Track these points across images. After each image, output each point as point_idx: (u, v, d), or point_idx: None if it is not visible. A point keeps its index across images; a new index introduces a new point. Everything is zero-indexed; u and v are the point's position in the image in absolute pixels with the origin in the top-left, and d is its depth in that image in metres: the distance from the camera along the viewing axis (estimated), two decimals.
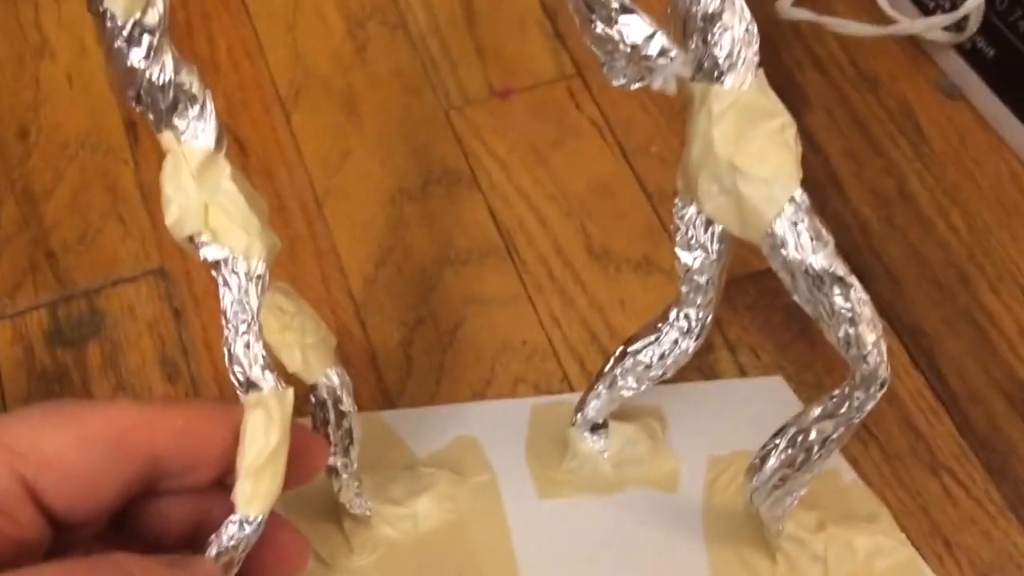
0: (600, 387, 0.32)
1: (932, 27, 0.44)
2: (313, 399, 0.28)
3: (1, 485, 0.21)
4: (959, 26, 0.44)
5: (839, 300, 0.24)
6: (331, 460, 0.29)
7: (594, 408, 0.33)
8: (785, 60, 0.47)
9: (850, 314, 0.24)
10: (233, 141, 0.43)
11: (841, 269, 0.24)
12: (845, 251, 0.42)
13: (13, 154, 0.42)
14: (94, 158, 0.42)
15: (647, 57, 0.22)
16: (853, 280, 0.24)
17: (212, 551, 0.24)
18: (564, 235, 0.42)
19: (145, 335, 0.38)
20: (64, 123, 0.43)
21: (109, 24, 0.21)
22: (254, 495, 0.23)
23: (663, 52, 0.22)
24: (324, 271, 0.40)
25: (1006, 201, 0.43)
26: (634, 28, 0.21)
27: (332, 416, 0.28)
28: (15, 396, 0.37)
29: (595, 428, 0.34)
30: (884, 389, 0.26)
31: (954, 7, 0.43)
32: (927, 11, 0.45)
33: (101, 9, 0.21)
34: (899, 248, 0.42)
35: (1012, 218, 0.42)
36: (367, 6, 0.48)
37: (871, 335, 0.25)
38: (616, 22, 0.21)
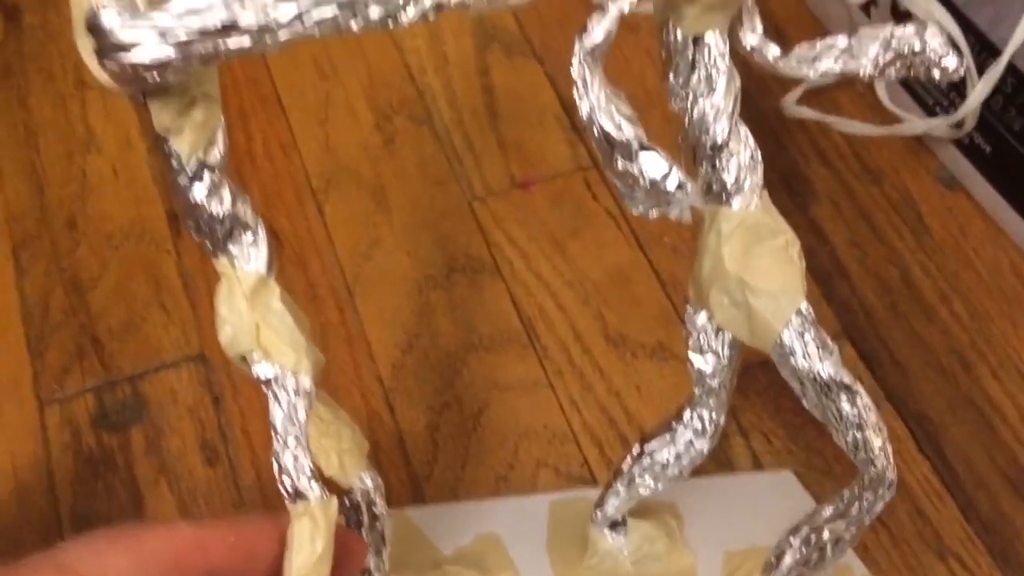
0: (618, 485, 0.33)
1: (933, 127, 0.46)
2: (347, 502, 0.29)
3: None
4: (958, 123, 0.46)
5: (846, 407, 0.26)
6: (364, 563, 0.30)
7: (613, 506, 0.34)
8: (791, 153, 0.49)
9: (857, 420, 0.26)
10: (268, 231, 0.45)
11: (847, 377, 0.26)
12: (852, 338, 0.44)
13: (62, 244, 0.45)
14: (138, 248, 0.45)
15: (665, 192, 0.24)
16: (858, 388, 0.26)
17: None
18: (582, 321, 0.44)
19: (186, 420, 0.40)
20: (110, 214, 0.46)
21: (175, 163, 0.24)
22: None
23: (680, 187, 0.24)
24: (355, 357, 0.42)
25: (1006, 289, 0.45)
26: (653, 165, 0.24)
27: (366, 519, 0.29)
28: (63, 478, 0.39)
29: (614, 525, 0.36)
30: (892, 491, 0.27)
31: (952, 106, 0.46)
32: (928, 108, 0.47)
33: (167, 149, 0.23)
34: (903, 335, 0.43)
35: (1012, 306, 0.44)
36: (394, 101, 0.51)
37: (877, 440, 0.26)
38: (636, 159, 0.24)
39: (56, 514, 0.38)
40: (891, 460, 0.27)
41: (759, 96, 0.50)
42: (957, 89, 0.45)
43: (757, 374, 0.42)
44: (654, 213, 0.25)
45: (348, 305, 0.44)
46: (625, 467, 0.33)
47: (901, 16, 0.47)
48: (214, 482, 0.39)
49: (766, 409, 0.41)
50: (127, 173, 0.47)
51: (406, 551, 0.34)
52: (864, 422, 0.27)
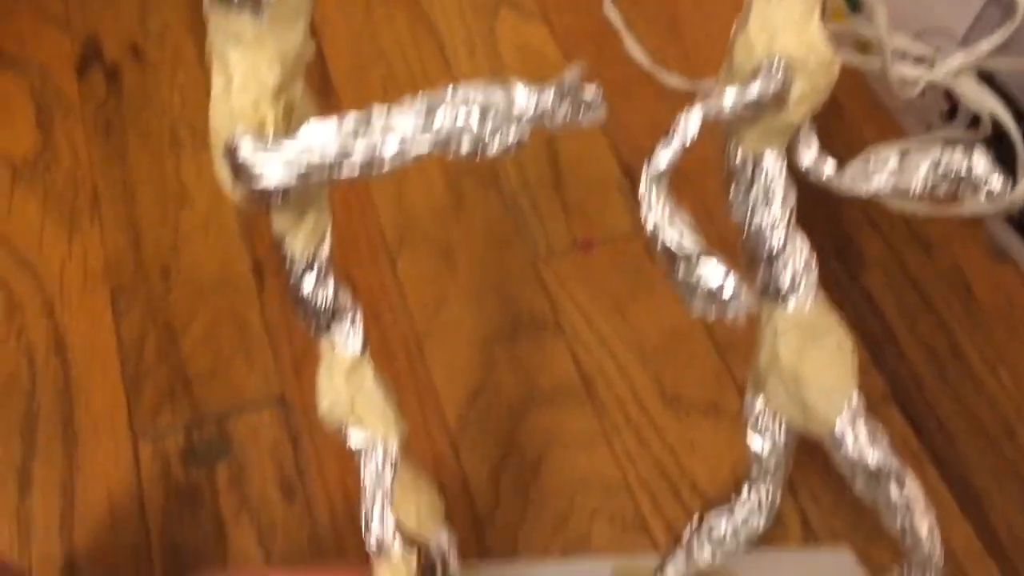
0: (678, 554, 0.35)
1: (985, 207, 0.48)
2: (424, 559, 0.31)
3: None
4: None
5: (894, 494, 0.28)
6: None
7: (672, 573, 0.36)
8: (845, 223, 0.51)
9: (905, 506, 0.28)
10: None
11: (895, 465, 0.28)
12: (899, 402, 0.45)
13: (156, 292, 0.48)
14: (225, 297, 0.48)
15: (722, 299, 0.26)
16: (907, 474, 0.28)
17: None
18: (640, 380, 0.46)
19: (266, 458, 0.43)
20: (200, 265, 0.49)
21: (288, 261, 0.27)
22: None
23: (734, 295, 0.26)
24: (423, 406, 0.45)
25: None
26: (711, 275, 0.26)
27: (439, 572, 0.32)
28: (153, 508, 0.42)
29: None
30: (939, 573, 0.29)
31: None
32: None
33: (283, 250, 0.27)
34: (950, 401, 0.45)
35: None
36: (464, 164, 0.54)
37: (924, 525, 0.28)
38: (695, 270, 0.26)
39: (147, 540, 0.41)
40: (938, 545, 0.29)
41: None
42: (1009, 166, 0.47)
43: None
44: (712, 314, 0.27)
45: (417, 357, 0.47)
46: (685, 536, 0.35)
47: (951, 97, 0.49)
48: (291, 517, 0.41)
49: (815, 469, 0.43)
50: (217, 227, 0.51)
51: None
52: (912, 508, 0.29)
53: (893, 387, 0.46)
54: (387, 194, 0.53)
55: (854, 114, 0.54)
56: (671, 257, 0.26)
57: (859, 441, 0.28)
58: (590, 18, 0.58)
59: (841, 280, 0.49)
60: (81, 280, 0.49)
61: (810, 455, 0.44)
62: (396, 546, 0.28)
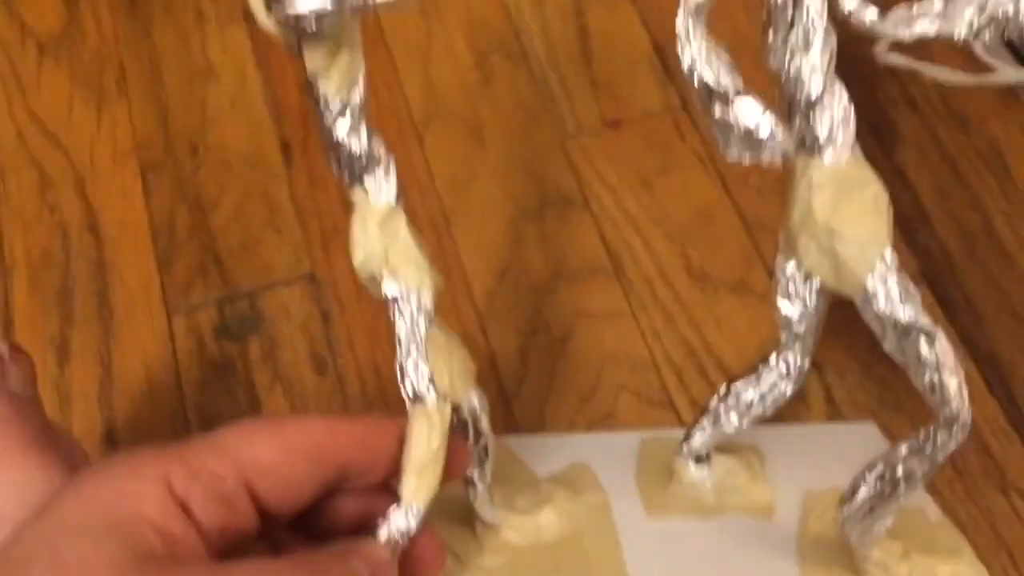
0: (704, 422, 0.36)
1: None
2: (456, 419, 0.32)
3: (231, 488, 0.26)
4: None
5: (924, 350, 0.28)
6: (468, 473, 0.34)
7: (698, 441, 0.37)
8: (880, 99, 0.50)
9: (934, 362, 0.28)
10: None
11: (926, 320, 0.28)
12: (929, 281, 0.45)
13: (185, 169, 0.49)
14: (253, 175, 0.48)
15: (758, 139, 0.26)
16: (937, 331, 0.28)
17: (381, 536, 0.29)
18: (666, 258, 0.46)
19: (298, 333, 0.44)
20: (228, 142, 0.49)
21: (322, 103, 0.27)
22: (418, 488, 0.29)
23: (772, 134, 0.26)
24: (451, 283, 0.45)
25: None
26: (747, 113, 0.26)
27: (472, 434, 0.32)
28: (190, 380, 0.43)
29: (699, 459, 0.38)
30: (966, 431, 0.29)
31: None
32: (1021, 59, 0.48)
33: (315, 91, 0.27)
34: (981, 280, 0.45)
35: None
36: (493, 40, 0.53)
37: (953, 382, 0.28)
38: (732, 107, 0.26)
39: (183, 411, 0.42)
40: (966, 402, 0.29)
41: (851, 43, 0.50)
42: None
43: (834, 311, 0.43)
44: (747, 158, 0.27)
45: (445, 233, 0.47)
46: (711, 405, 0.35)
47: None
48: (323, 389, 0.42)
49: (841, 345, 0.43)
50: (243, 104, 0.51)
51: (503, 471, 0.37)
52: (941, 365, 0.28)
53: (923, 265, 0.45)
54: (414, 71, 0.52)
55: None
56: (708, 94, 0.26)
57: (891, 297, 0.28)
58: None
59: (875, 157, 0.48)
60: (111, 157, 0.49)
61: (835, 334, 0.44)
62: (431, 395, 0.29)
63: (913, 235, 0.46)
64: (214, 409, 0.42)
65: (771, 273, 0.45)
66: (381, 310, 0.45)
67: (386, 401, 0.42)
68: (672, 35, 0.54)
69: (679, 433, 0.38)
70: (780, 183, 0.48)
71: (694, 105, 0.50)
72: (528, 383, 0.43)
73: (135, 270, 0.46)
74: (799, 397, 0.42)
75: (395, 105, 0.51)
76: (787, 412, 0.42)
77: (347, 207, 0.48)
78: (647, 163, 0.49)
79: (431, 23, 0.53)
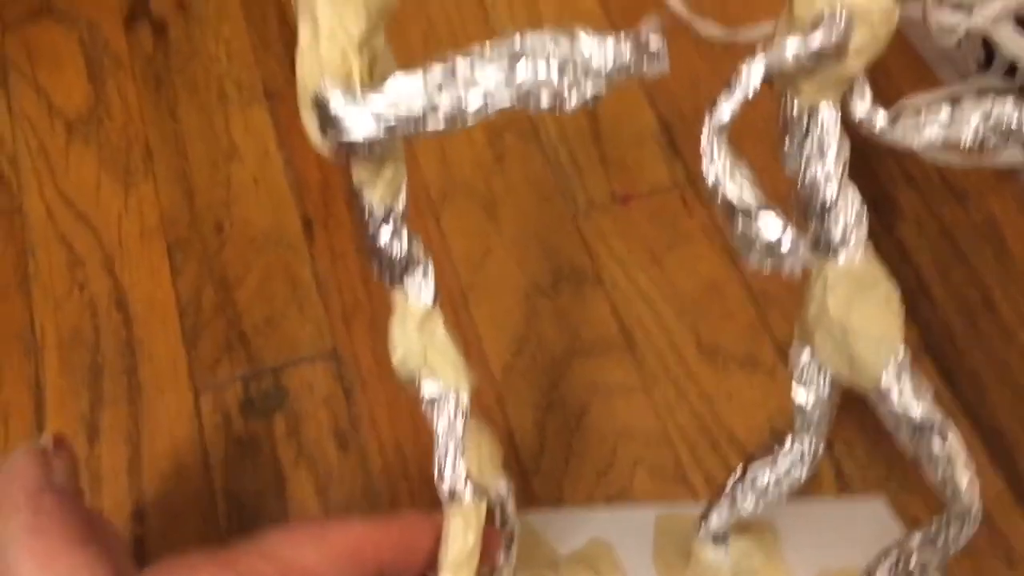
0: (723, 503, 0.37)
1: (1020, 159, 0.49)
2: (491, 525, 0.33)
3: None
4: None
5: (937, 446, 0.29)
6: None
7: (716, 522, 0.38)
8: (880, 176, 0.52)
9: (946, 458, 0.29)
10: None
11: (938, 417, 0.29)
12: (932, 354, 0.46)
13: (211, 246, 0.50)
14: (277, 252, 0.50)
15: (780, 253, 0.27)
16: (949, 427, 0.29)
17: None
18: (677, 332, 0.47)
19: (321, 409, 0.45)
20: (252, 219, 0.51)
21: (366, 212, 0.28)
22: None
23: (792, 249, 0.27)
24: (469, 358, 0.46)
25: None
26: (770, 228, 0.27)
27: (498, 519, 0.33)
28: (215, 457, 0.44)
29: (716, 539, 0.39)
30: (977, 524, 0.30)
31: None
32: None
33: (361, 200, 0.28)
34: (982, 353, 0.46)
35: None
36: (505, 119, 0.55)
37: (965, 477, 0.29)
38: (755, 222, 0.27)
39: (210, 488, 0.43)
40: (977, 497, 0.30)
41: (853, 124, 0.52)
42: None
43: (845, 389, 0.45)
44: (768, 267, 0.28)
45: (463, 309, 0.48)
46: (728, 486, 0.37)
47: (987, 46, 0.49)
48: (346, 466, 0.44)
49: (851, 421, 0.44)
50: (266, 183, 0.52)
51: (525, 551, 0.38)
52: (953, 461, 0.30)
53: (926, 338, 0.47)
54: (430, 150, 0.54)
55: (890, 64, 0.54)
56: (731, 210, 0.27)
57: (904, 394, 0.29)
58: None
59: (876, 232, 0.50)
60: (138, 235, 0.51)
61: (845, 408, 0.45)
62: (468, 493, 0.30)
63: (915, 309, 0.48)
64: (241, 486, 0.43)
65: (779, 347, 0.47)
66: (402, 387, 0.46)
67: (408, 477, 0.44)
68: (678, 113, 0.56)
69: (694, 508, 0.40)
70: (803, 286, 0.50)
71: (701, 180, 0.52)
72: (546, 458, 0.44)
73: (163, 348, 0.47)
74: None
75: (412, 184, 0.52)
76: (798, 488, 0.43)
77: (368, 283, 0.50)
78: (656, 238, 0.50)
79: None
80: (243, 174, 0.53)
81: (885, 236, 0.50)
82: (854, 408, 0.45)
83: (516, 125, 0.55)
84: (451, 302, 0.49)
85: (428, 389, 0.30)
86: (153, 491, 0.43)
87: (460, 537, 0.30)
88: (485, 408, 0.45)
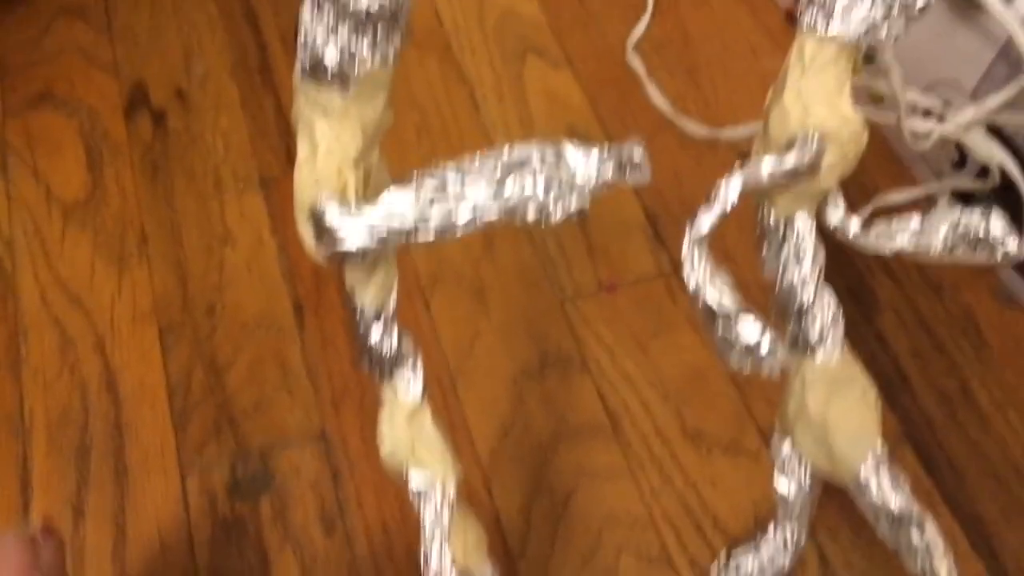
0: None
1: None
2: None
3: None
4: None
5: (915, 538, 0.30)
6: None
7: None
8: (858, 266, 0.53)
9: (925, 549, 0.30)
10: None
11: (916, 510, 0.30)
12: (912, 442, 0.47)
13: (203, 329, 0.51)
14: (268, 336, 0.51)
15: (759, 355, 0.28)
16: (927, 518, 0.30)
17: None
18: (662, 417, 0.48)
19: (308, 493, 0.45)
20: (244, 304, 0.52)
21: (358, 312, 0.29)
22: None
23: (770, 352, 0.28)
24: (456, 441, 0.47)
25: None
26: (749, 333, 0.28)
27: None
28: (200, 540, 0.44)
29: None
30: None
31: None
32: None
33: (353, 302, 0.29)
34: (960, 442, 0.47)
35: None
36: None
37: (943, 566, 0.30)
38: (734, 327, 0.28)
39: (195, 571, 0.43)
40: None
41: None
42: (1016, 217, 0.49)
43: None
44: (747, 368, 0.29)
45: (451, 393, 0.49)
46: (712, 573, 0.37)
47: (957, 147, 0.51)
48: (332, 549, 0.43)
49: (832, 506, 0.45)
50: (259, 268, 0.53)
51: None
52: (932, 551, 0.30)
53: (906, 427, 0.48)
54: None
55: (867, 162, 0.56)
56: (711, 315, 0.28)
57: (883, 487, 0.30)
58: (614, 65, 0.60)
59: (855, 322, 0.51)
60: (130, 318, 0.51)
61: (828, 494, 0.46)
62: None
63: (894, 398, 0.49)
64: (225, 569, 0.43)
65: (762, 433, 0.47)
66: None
67: (393, 559, 0.43)
68: (663, 204, 0.57)
69: None
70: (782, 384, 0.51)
71: None
72: (532, 542, 0.44)
73: (151, 429, 0.47)
74: None
75: (403, 270, 0.53)
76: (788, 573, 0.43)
77: (357, 368, 0.50)
78: (642, 325, 0.51)
79: None
80: (236, 259, 0.54)
81: (864, 324, 0.51)
82: (836, 495, 0.46)
83: None
84: (440, 386, 0.49)
85: (416, 481, 0.31)
86: (137, 572, 0.43)
87: None
88: (472, 491, 0.46)
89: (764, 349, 0.28)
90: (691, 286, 0.28)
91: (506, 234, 0.55)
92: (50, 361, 0.50)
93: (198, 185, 0.57)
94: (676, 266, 0.54)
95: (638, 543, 0.44)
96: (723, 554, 0.37)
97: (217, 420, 0.48)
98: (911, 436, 0.47)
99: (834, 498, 0.45)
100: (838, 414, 0.30)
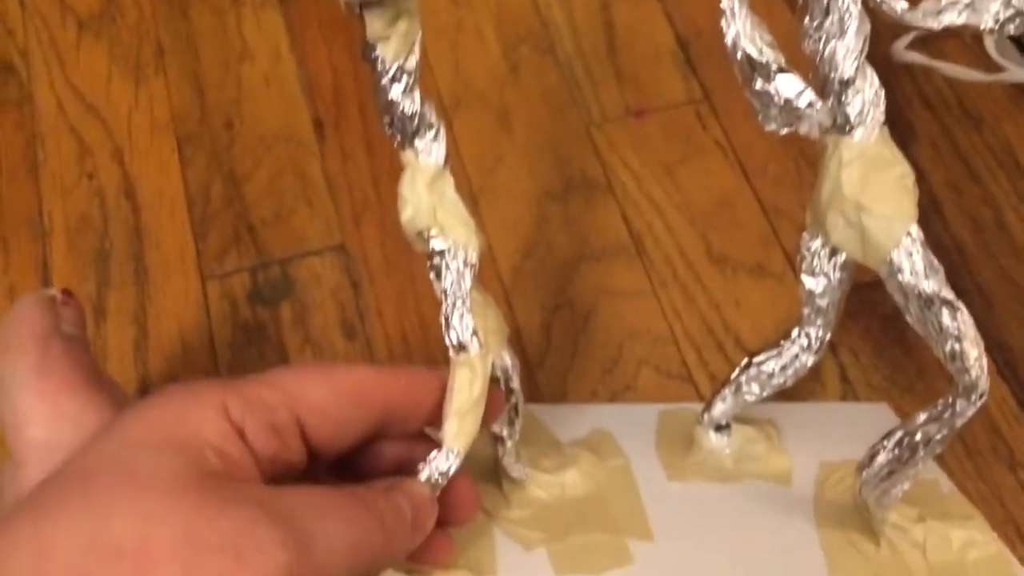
0: (726, 391, 0.37)
1: None
2: (494, 384, 0.33)
3: (283, 421, 0.27)
4: None
5: (947, 320, 0.29)
6: (498, 430, 0.35)
7: (719, 410, 0.38)
8: (896, 97, 0.52)
9: (956, 332, 0.29)
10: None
11: (949, 293, 0.29)
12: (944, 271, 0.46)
13: (221, 141, 0.50)
14: (287, 149, 0.50)
15: (797, 109, 0.27)
16: (959, 304, 0.29)
17: (422, 476, 0.30)
18: (687, 240, 0.47)
19: (328, 300, 0.45)
20: (262, 118, 0.51)
21: (380, 66, 0.28)
22: (459, 433, 0.30)
23: (810, 105, 0.27)
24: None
25: None
26: (788, 85, 0.27)
27: (503, 391, 0.33)
28: (222, 342, 0.44)
29: (719, 428, 0.39)
30: (984, 399, 0.30)
31: None
32: None
33: (373, 56, 0.28)
34: (992, 272, 0.46)
35: None
36: (521, 31, 0.54)
37: (974, 351, 0.29)
38: (773, 80, 0.27)
39: (216, 370, 0.43)
40: (985, 370, 0.30)
41: (870, 43, 0.52)
42: None
43: (851, 297, 0.45)
44: (786, 129, 0.28)
45: (473, 212, 0.47)
46: (733, 376, 0.37)
47: None
48: (352, 354, 0.43)
49: (856, 328, 0.44)
50: (278, 83, 0.52)
51: (528, 436, 0.38)
52: (963, 335, 0.30)
53: (938, 257, 0.46)
54: (444, 60, 0.53)
55: None
56: (750, 66, 0.27)
57: (916, 270, 0.29)
58: None
59: None
60: (148, 129, 0.50)
61: (852, 316, 0.45)
62: (475, 344, 0.30)
63: (927, 227, 0.47)
64: (246, 369, 0.43)
65: (789, 257, 0.47)
66: (409, 282, 0.46)
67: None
68: (695, 30, 0.55)
69: (698, 406, 0.39)
70: (798, 171, 0.49)
71: (716, 96, 0.52)
72: (551, 356, 0.44)
73: (171, 236, 0.47)
74: (815, 377, 0.44)
75: (425, 88, 0.52)
76: (804, 391, 0.43)
77: (378, 183, 0.49)
78: (669, 152, 0.50)
79: (462, 12, 0.55)
80: (254, 74, 0.52)
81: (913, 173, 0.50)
82: (861, 316, 0.45)
83: (532, 39, 0.54)
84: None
85: (436, 244, 0.30)
86: (158, 372, 0.43)
87: (466, 387, 0.30)
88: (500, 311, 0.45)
89: (804, 101, 0.27)
90: (729, 39, 0.27)
91: (532, 58, 0.53)
92: (68, 168, 0.49)
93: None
94: (707, 93, 0.52)
95: (658, 358, 0.44)
96: (744, 360, 0.37)
97: (237, 229, 0.47)
98: (943, 264, 0.46)
99: (858, 320, 0.45)
100: (875, 194, 0.29)
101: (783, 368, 0.36)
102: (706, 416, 0.39)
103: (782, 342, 0.36)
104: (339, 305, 0.45)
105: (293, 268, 0.46)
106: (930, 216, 0.48)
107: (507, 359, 0.34)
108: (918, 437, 0.32)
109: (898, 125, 0.51)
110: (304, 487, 0.27)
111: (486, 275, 0.46)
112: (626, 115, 0.51)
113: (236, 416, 0.27)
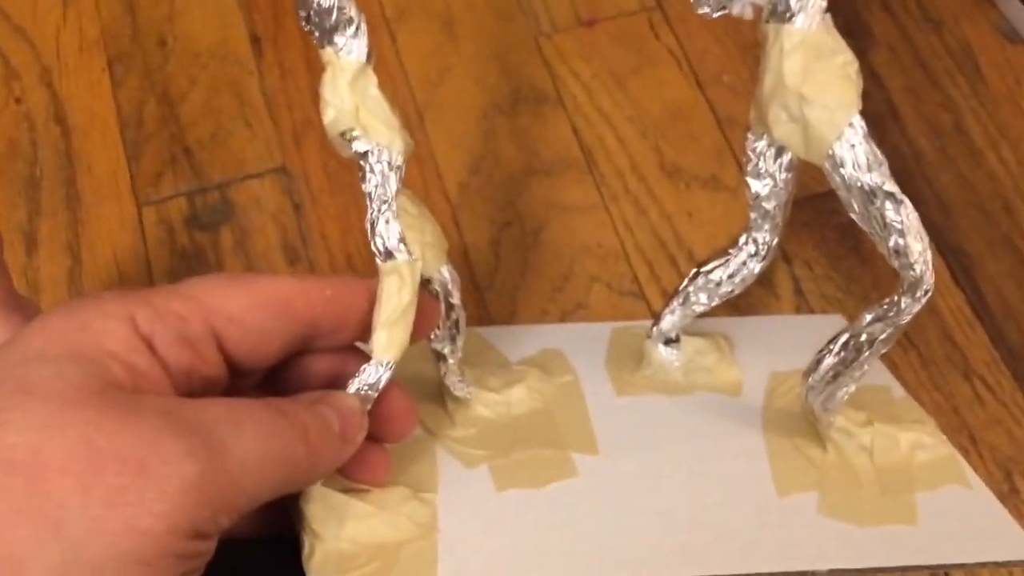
0: (674, 303, 0.36)
1: None
2: (427, 292, 0.32)
3: (197, 332, 0.26)
4: None
5: (890, 213, 0.28)
6: (439, 347, 0.33)
7: (668, 323, 0.37)
8: (855, 1, 0.50)
9: (900, 226, 0.28)
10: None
11: (892, 186, 0.28)
12: (900, 178, 0.45)
13: (153, 60, 0.48)
14: (223, 67, 0.48)
15: None
16: (903, 196, 0.28)
17: (351, 388, 0.29)
18: (639, 153, 0.46)
19: (269, 224, 0.44)
20: (197, 35, 0.49)
21: None
22: (389, 343, 0.28)
23: None
24: (424, 176, 0.45)
25: None
26: None
27: (443, 308, 0.32)
28: (159, 269, 0.43)
29: (668, 342, 0.38)
30: (928, 295, 0.29)
31: None
32: None
33: None
34: (950, 177, 0.45)
35: None
36: None
37: (918, 245, 0.28)
38: None
39: None
40: (930, 266, 0.29)
41: None
42: None
43: (804, 207, 0.44)
44: (718, 13, 0.27)
45: (418, 127, 0.46)
46: (681, 287, 0.36)
47: None
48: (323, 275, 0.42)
49: (811, 239, 0.44)
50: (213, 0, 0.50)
51: (475, 357, 0.38)
52: (906, 228, 0.28)
53: (893, 163, 0.45)
54: None
55: None
56: None
57: (859, 163, 0.28)
58: None
59: None
60: (77, 48, 0.48)
61: (806, 227, 0.44)
62: (402, 250, 0.29)
63: (884, 134, 0.46)
64: None
65: (742, 169, 0.45)
66: (353, 203, 0.45)
67: None
68: None
69: (649, 323, 0.39)
70: (753, 81, 0.48)
71: (669, 4, 0.50)
72: (500, 275, 0.43)
73: (103, 160, 0.45)
74: (769, 290, 0.43)
75: (367, 2, 0.50)
76: (758, 304, 0.42)
77: (318, 101, 0.47)
78: (621, 61, 0.48)
79: None
80: None
81: (858, 60, 0.48)
82: (815, 227, 0.44)
83: None
84: (407, 120, 0.46)
85: (359, 146, 0.28)
86: None
87: (395, 295, 0.28)
88: (440, 225, 0.44)
89: None
90: None
91: None
92: None
93: None
94: (659, 0, 0.50)
95: (610, 275, 0.43)
96: (693, 270, 0.36)
97: (172, 151, 0.45)
98: (899, 171, 0.44)
99: (813, 232, 0.44)
100: (816, 85, 0.28)
101: (731, 276, 0.35)
102: (655, 329, 0.38)
103: (730, 250, 0.35)
104: (280, 228, 0.44)
105: (232, 191, 0.44)
106: (888, 122, 0.47)
107: (446, 273, 0.32)
108: (863, 337, 0.31)
109: (856, 29, 0.49)
110: (219, 399, 0.25)
111: (432, 192, 0.45)
112: (576, 24, 0.50)
113: (144, 326, 0.25)
